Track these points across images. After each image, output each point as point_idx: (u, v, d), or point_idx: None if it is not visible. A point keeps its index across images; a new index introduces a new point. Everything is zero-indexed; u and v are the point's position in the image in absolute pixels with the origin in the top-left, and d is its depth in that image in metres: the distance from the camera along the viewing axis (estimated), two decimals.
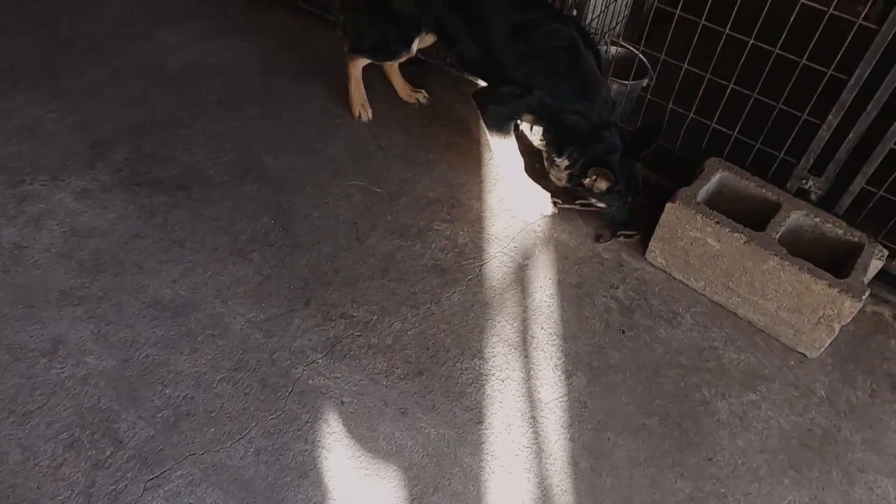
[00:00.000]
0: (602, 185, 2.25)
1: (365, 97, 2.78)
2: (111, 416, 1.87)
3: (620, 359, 2.11)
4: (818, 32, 1.96)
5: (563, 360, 2.09)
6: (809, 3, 1.94)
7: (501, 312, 2.20)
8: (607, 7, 2.71)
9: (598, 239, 2.40)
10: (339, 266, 2.29)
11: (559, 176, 2.36)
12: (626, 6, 2.95)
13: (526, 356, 2.10)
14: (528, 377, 2.05)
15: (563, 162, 2.29)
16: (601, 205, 2.36)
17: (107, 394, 1.92)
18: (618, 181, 2.21)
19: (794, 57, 2.05)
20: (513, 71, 2.28)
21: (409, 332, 2.13)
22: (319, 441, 1.86)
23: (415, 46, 2.50)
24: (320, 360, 2.04)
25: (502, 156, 2.48)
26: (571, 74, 2.22)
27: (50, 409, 1.87)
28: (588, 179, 2.26)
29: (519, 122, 2.53)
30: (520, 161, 2.48)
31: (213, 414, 1.90)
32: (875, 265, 2.12)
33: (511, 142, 2.43)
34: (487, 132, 2.44)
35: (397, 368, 2.04)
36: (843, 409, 2.04)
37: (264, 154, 2.65)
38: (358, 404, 1.95)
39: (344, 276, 2.26)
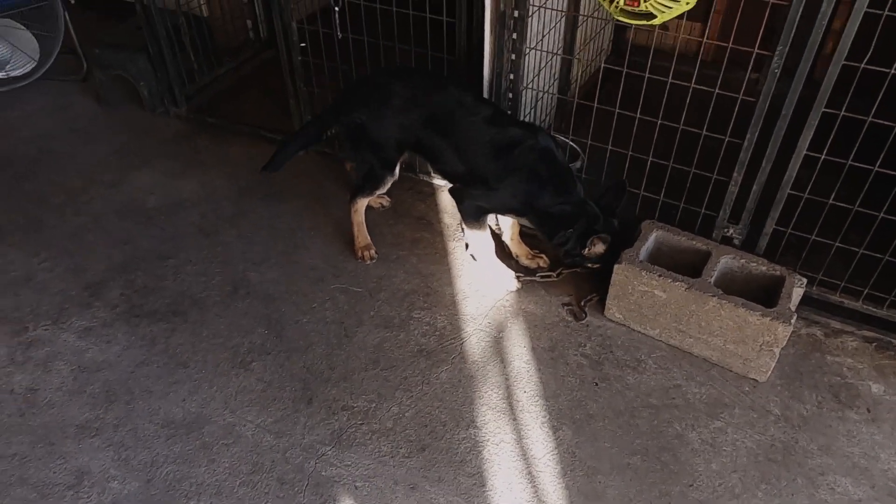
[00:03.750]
0: (600, 248, 2.52)
1: (369, 240, 2.93)
2: None
3: (598, 408, 2.35)
4: (710, 109, 2.37)
5: (548, 417, 2.32)
6: (700, 87, 2.35)
7: (486, 383, 2.43)
8: (535, 104, 3.11)
9: (576, 317, 2.67)
10: (333, 363, 2.50)
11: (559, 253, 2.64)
12: (551, 102, 3.37)
13: (514, 419, 2.32)
14: (520, 437, 2.26)
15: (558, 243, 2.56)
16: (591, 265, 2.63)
17: None
18: (611, 241, 2.49)
19: (696, 130, 2.44)
20: (496, 183, 2.52)
21: (406, 414, 2.33)
22: None
23: (397, 170, 2.76)
24: (330, 452, 2.22)
25: (476, 242, 2.73)
26: (552, 178, 2.48)
27: None
28: (587, 250, 2.51)
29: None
30: (491, 245, 2.76)
31: None
32: (797, 293, 2.44)
33: (486, 230, 2.69)
34: (463, 222, 2.69)
35: (401, 448, 2.23)
36: (797, 423, 2.31)
37: (249, 271, 2.88)
38: (371, 487, 2.12)
39: (340, 372, 2.47)
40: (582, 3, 3.17)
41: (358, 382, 2.43)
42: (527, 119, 3.05)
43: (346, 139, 2.78)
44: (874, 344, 2.55)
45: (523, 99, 2.83)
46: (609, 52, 4.06)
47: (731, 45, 2.21)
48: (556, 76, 3.29)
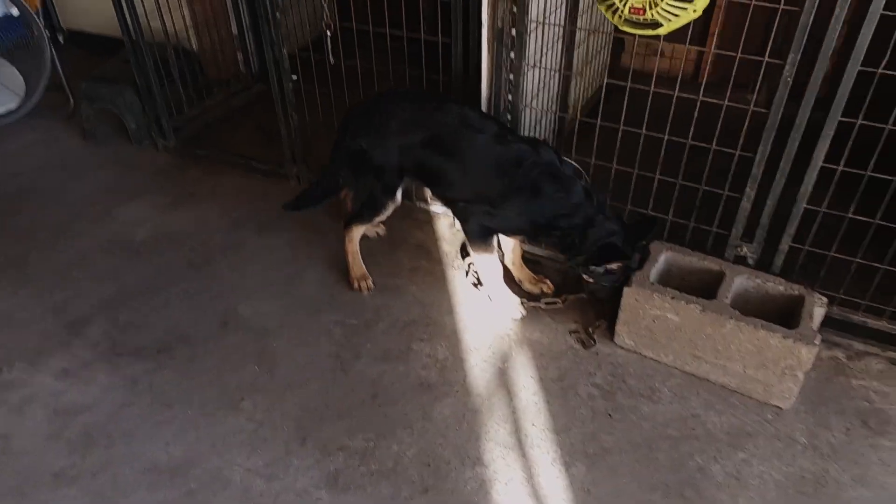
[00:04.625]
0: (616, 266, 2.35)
1: (364, 269, 2.81)
2: None
3: (613, 441, 2.20)
4: (720, 121, 2.27)
5: (559, 452, 2.16)
6: (707, 99, 2.25)
7: (492, 417, 2.28)
8: (535, 125, 3.03)
9: (585, 345, 2.53)
10: (329, 400, 2.35)
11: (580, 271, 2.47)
12: (552, 122, 3.28)
13: (524, 455, 2.16)
14: (531, 475, 2.10)
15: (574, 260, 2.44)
16: (588, 279, 2.47)
17: None
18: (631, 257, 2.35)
19: (704, 144, 2.34)
20: (500, 203, 2.40)
21: (407, 453, 2.17)
22: None
23: (399, 195, 2.63)
24: (325, 496, 2.05)
25: (483, 266, 2.59)
26: (557, 193, 2.34)
27: None
28: (600, 269, 2.37)
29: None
30: (499, 269, 2.62)
31: None
32: (819, 313, 2.31)
33: (493, 253, 2.55)
34: (469, 243, 2.56)
35: (403, 491, 2.06)
36: (826, 452, 2.15)
37: (240, 305, 2.75)
38: None
39: (336, 409, 2.31)
40: (580, 21, 3.11)
41: (355, 419, 2.28)
42: None
43: (347, 166, 2.67)
44: None
45: (523, 119, 2.74)
46: (606, 77, 4.00)
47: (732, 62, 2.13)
48: (556, 97, 3.21)
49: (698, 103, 2.26)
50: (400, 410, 2.30)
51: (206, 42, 4.02)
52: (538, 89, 2.90)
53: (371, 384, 2.40)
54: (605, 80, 2.37)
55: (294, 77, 3.17)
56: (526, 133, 2.87)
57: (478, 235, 2.50)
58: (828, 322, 2.45)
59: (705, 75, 2.34)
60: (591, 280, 2.49)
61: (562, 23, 2.80)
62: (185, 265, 2.97)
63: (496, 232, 2.53)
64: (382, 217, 2.70)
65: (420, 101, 2.57)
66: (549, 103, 3.07)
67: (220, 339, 2.60)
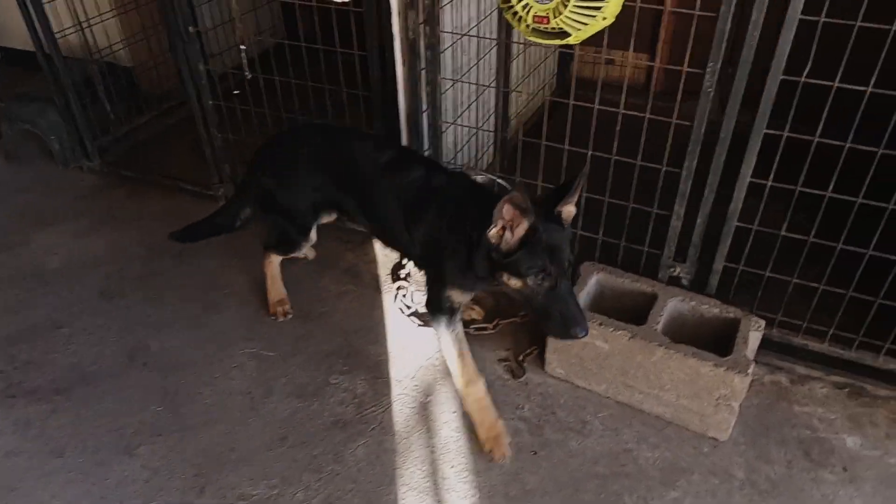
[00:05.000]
0: (519, 224, 1.73)
1: (284, 294, 2.64)
2: None
3: (537, 481, 2.03)
4: (643, 135, 2.13)
5: (477, 495, 2.00)
6: (629, 112, 2.11)
7: (409, 458, 2.11)
8: (469, 140, 2.88)
9: (514, 375, 2.37)
10: (234, 443, 2.17)
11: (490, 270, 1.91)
12: (489, 139, 3.14)
13: (439, 500, 1.99)
14: None
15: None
16: (517, 284, 1.82)
17: None
18: (536, 223, 1.74)
19: (629, 160, 2.19)
20: (404, 234, 2.19)
21: (313, 501, 2.00)
22: None
23: (314, 234, 2.49)
24: None
25: (453, 369, 2.17)
26: (457, 213, 2.05)
27: None
28: (498, 228, 1.76)
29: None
30: (476, 379, 2.15)
31: None
32: (755, 336, 2.17)
33: (458, 344, 2.15)
34: (440, 340, 2.18)
35: None
36: (765, 488, 2.00)
37: (149, 338, 2.57)
38: None
39: (240, 453, 2.14)
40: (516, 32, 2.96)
41: (260, 464, 2.10)
42: (460, 155, 2.82)
43: (256, 204, 2.56)
44: (846, 390, 2.28)
45: (450, 136, 2.59)
46: (554, 86, 3.87)
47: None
48: (491, 112, 3.06)
49: (620, 116, 2.12)
50: (310, 453, 2.13)
51: (137, 56, 3.85)
52: (466, 104, 2.76)
53: (281, 424, 2.23)
54: (549, 94, 2.19)
55: (236, 92, 3.02)
56: (459, 149, 2.74)
57: (431, 303, 2.17)
58: (769, 345, 2.31)
59: (659, 84, 2.20)
60: (516, 284, 1.84)
61: (489, 34, 2.65)
62: (97, 296, 2.79)
63: (448, 293, 2.09)
64: (298, 253, 2.61)
65: (324, 138, 2.39)
66: (482, 119, 2.92)
67: (123, 376, 2.41)
